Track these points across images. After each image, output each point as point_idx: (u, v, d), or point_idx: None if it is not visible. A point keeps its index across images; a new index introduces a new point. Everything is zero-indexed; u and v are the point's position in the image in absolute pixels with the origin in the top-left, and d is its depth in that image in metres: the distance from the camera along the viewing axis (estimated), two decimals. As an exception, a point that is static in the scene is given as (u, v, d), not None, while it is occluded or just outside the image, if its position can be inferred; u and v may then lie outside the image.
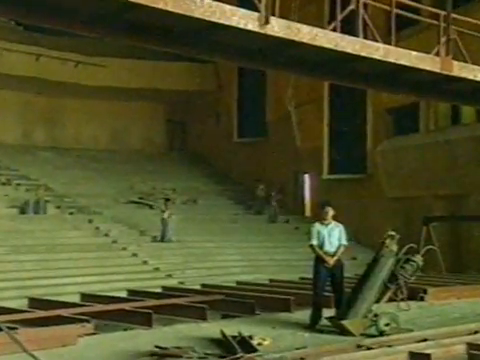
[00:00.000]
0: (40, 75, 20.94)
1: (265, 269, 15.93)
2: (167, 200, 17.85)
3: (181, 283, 13.88)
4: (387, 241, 7.31)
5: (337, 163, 20.15)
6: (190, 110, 26.24)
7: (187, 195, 21.25)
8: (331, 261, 7.50)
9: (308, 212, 21.83)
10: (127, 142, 25.09)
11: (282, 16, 7.29)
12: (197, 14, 6.54)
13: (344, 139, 20.11)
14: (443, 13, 9.26)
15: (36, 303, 9.67)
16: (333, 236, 7.63)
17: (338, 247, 7.61)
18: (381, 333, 6.95)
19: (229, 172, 24.60)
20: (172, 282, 13.78)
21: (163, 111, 26.17)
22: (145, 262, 15.33)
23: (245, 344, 6.12)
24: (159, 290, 11.56)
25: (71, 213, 18.05)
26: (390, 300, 7.31)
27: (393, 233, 7.37)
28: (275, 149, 22.26)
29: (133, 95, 23.97)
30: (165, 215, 16.98)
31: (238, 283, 12.59)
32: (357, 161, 19.67)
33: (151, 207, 19.96)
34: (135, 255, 15.66)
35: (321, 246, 7.59)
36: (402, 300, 7.19)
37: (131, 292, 10.97)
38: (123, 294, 10.92)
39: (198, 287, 12.07)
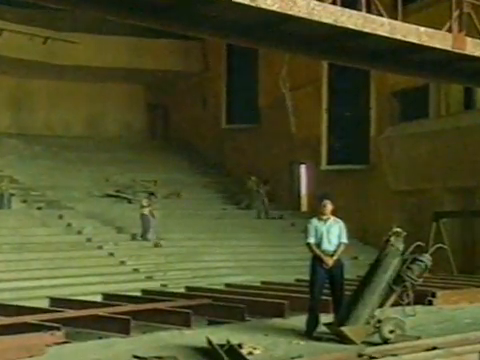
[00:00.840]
0: (3, 53, 20.68)
1: (256, 270, 15.97)
2: (150, 194, 17.81)
3: (163, 286, 13.93)
4: (392, 239, 7.31)
5: (337, 152, 20.19)
6: (173, 93, 26.15)
7: (170, 188, 21.23)
8: (330, 261, 7.50)
9: (304, 207, 21.88)
10: (103, 128, 24.99)
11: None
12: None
13: (345, 126, 20.13)
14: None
15: (0, 309, 9.59)
16: (332, 233, 7.62)
17: (338, 246, 7.60)
18: (385, 341, 6.96)
19: (217, 162, 24.59)
20: (153, 285, 13.82)
21: (143, 94, 26.09)
22: (123, 262, 15.32)
23: (234, 353, 6.10)
24: (138, 294, 11.54)
25: (39, 208, 17.97)
26: (395, 304, 7.32)
27: (399, 230, 7.37)
28: (268, 137, 22.27)
29: (110, 76, 23.84)
30: (146, 211, 16.93)
31: (226, 286, 12.63)
32: (359, 150, 19.71)
33: (130, 201, 19.93)
34: (112, 255, 15.65)
35: (319, 244, 7.58)
36: (408, 304, 7.21)
37: (107, 296, 10.95)
38: (98, 298, 10.90)
39: (182, 290, 12.06)
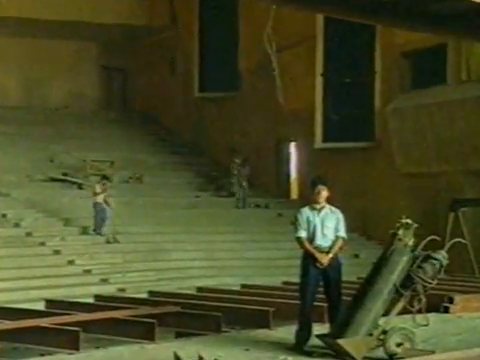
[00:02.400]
0: None
1: (236, 271, 16.03)
2: (104, 178, 17.72)
3: (121, 290, 13.97)
4: (400, 232, 7.33)
5: (334, 127, 20.25)
6: (134, 53, 25.98)
7: (129, 170, 21.19)
8: (325, 259, 7.50)
9: (294, 194, 21.96)
10: (46, 97, 24.79)
11: None
12: None
13: (344, 94, 20.18)
14: None
15: None
16: (327, 226, 7.63)
17: (334, 241, 7.61)
18: (391, 356, 7.01)
19: (187, 139, 24.56)
20: (109, 289, 13.85)
21: (97, 54, 25.93)
22: (71, 262, 15.29)
23: (207, 373, 6.10)
24: (90, 300, 11.51)
25: (-33, 195, 17.88)
26: (404, 312, 7.37)
27: (408, 221, 7.39)
28: (250, 108, 22.26)
29: (55, 31, 23.60)
30: (100, 198, 16.87)
31: (199, 290, 12.62)
32: (361, 124, 19.79)
33: (80, 187, 19.86)
34: (57, 252, 15.61)
35: (311, 239, 7.59)
36: (420, 312, 7.25)
37: (51, 303, 10.90)
38: (40, 306, 10.84)
39: (144, 296, 12.04)
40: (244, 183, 20.28)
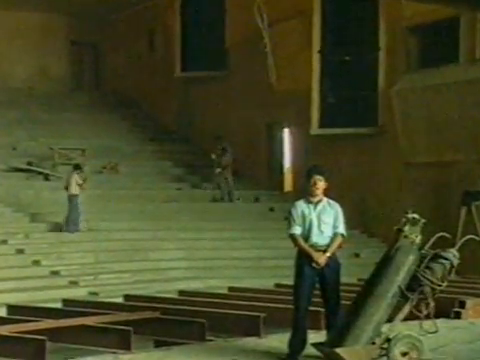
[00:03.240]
0: None
1: (222, 272, 16.08)
2: (76, 168, 17.65)
3: (93, 294, 13.97)
4: (406, 228, 7.34)
5: (333, 111, 20.26)
6: (107, 27, 25.89)
7: (103, 159, 21.17)
8: (322, 259, 7.51)
9: (288, 186, 21.97)
10: (8, 76, 24.67)
11: None
12: None
13: (344, 74, 20.17)
14: None
15: None
16: (325, 221, 7.63)
17: (332, 238, 7.63)
18: (396, 367, 7.04)
19: (168, 124, 24.51)
20: (79, 292, 13.87)
21: (65, 28, 25.82)
22: (36, 262, 15.29)
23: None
24: (58, 305, 11.54)
25: None
26: (410, 317, 7.39)
27: (415, 216, 7.40)
28: (238, 89, 22.24)
29: (17, 1, 23.44)
30: (74, 190, 16.85)
31: (181, 293, 12.65)
32: (363, 108, 19.81)
33: (47, 178, 19.80)
34: (21, 252, 15.60)
35: (307, 237, 7.59)
36: (428, 317, 7.28)
37: (14, 308, 10.89)
38: (1, 312, 10.85)
39: (119, 300, 12.09)
40: (227, 173, 20.21)
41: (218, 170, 20.23)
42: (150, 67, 24.84)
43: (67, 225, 16.75)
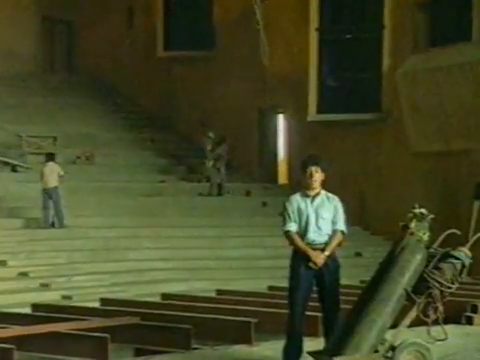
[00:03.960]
0: None
1: (210, 273, 16.09)
2: (50, 158, 17.59)
3: (66, 298, 13.93)
4: (412, 224, 7.35)
5: (332, 95, 20.25)
6: (82, 1, 25.77)
7: (77, 148, 21.14)
8: (320, 259, 7.50)
9: (283, 178, 21.98)
10: (-28, 56, 24.56)
11: None
12: None
13: (344, 54, 20.16)
14: None
15: None
16: (323, 217, 7.61)
17: (331, 235, 7.63)
18: (401, 377, 7.05)
19: (150, 109, 24.46)
20: (50, 296, 13.79)
21: (35, 2, 25.70)
22: (3, 263, 15.23)
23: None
24: (28, 310, 11.52)
25: None
26: (416, 323, 7.40)
27: (423, 211, 7.41)
28: (227, 71, 22.20)
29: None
30: (54, 182, 16.83)
31: (164, 297, 12.65)
32: (365, 91, 19.81)
33: (14, 169, 19.73)
34: (-15, 251, 15.55)
35: (303, 234, 7.59)
36: (436, 323, 7.29)
37: (-22, 314, 10.87)
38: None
39: (95, 304, 12.09)
40: (221, 165, 20.23)
41: (211, 162, 20.20)
42: (129, 46, 24.75)
43: (49, 222, 16.72)
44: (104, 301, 12.12)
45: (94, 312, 10.86)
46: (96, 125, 22.71)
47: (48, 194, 16.81)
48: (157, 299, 12.64)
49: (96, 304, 12.11)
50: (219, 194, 20.23)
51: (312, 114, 20.36)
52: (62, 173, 17.09)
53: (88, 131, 22.17)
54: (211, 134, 20.64)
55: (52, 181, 16.91)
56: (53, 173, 17.02)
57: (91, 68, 25.84)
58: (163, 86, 24.13)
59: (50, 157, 17.65)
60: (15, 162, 19.82)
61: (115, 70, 25.23)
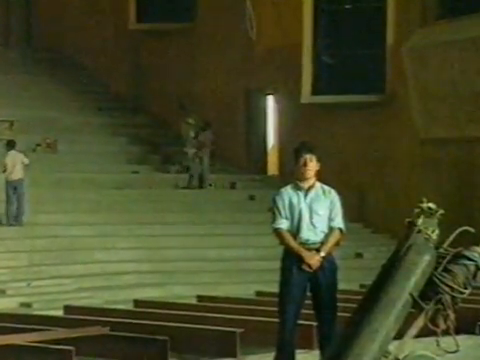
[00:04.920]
0: None
1: (189, 277, 16.12)
2: (11, 146, 17.56)
3: (25, 305, 13.90)
4: (420, 221, 7.35)
5: (329, 74, 20.27)
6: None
7: (37, 134, 21.07)
8: (315, 260, 7.51)
9: (273, 168, 21.98)
10: None
11: None
12: None
13: (343, 27, 20.16)
14: None
15: None
16: (318, 213, 7.62)
17: (328, 234, 7.65)
18: (406, 394, 7.08)
19: (121, 90, 24.41)
20: (7, 303, 13.78)
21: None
22: (-47, 266, 15.20)
23: None
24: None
25: None
26: (424, 333, 7.43)
27: (431, 205, 7.42)
28: (210, 46, 22.17)
29: None
30: (19, 173, 16.81)
31: (136, 304, 12.65)
32: (367, 69, 19.82)
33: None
34: None
35: (296, 232, 7.60)
36: (447, 333, 7.32)
37: None
38: None
39: (58, 312, 12.10)
40: (203, 155, 20.18)
41: (192, 151, 20.16)
42: (96, 18, 24.67)
43: (14, 217, 16.75)
44: (68, 309, 12.12)
45: (57, 321, 10.85)
46: (58, 108, 22.62)
47: (13, 187, 16.77)
48: (129, 306, 12.66)
49: (59, 312, 12.11)
50: (200, 187, 20.21)
51: (306, 95, 20.36)
52: (27, 162, 17.05)
53: (49, 115, 22.10)
54: (191, 120, 20.57)
55: (17, 172, 16.86)
56: (17, 163, 16.98)
57: (52, 42, 25.73)
58: (136, 63, 24.07)
59: (11, 145, 17.62)
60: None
61: (80, 45, 25.13)
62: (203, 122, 20.61)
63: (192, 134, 20.44)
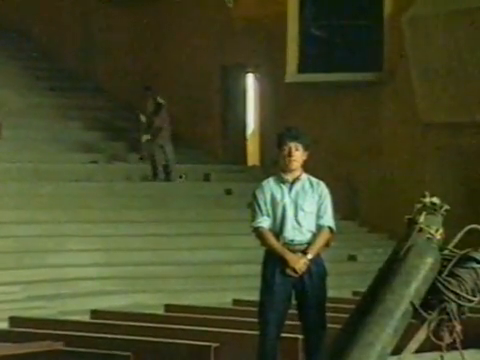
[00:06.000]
0: None
1: (156, 283, 16.16)
2: None
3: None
4: (421, 218, 7.40)
5: (318, 49, 20.25)
6: None
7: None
8: (300, 264, 7.54)
9: (253, 158, 21.98)
10: None
11: None
12: None
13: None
14: None
15: None
16: (304, 209, 7.65)
17: (316, 234, 7.67)
18: None
19: (74, 66, 24.33)
20: None
21: None
22: None
23: None
24: None
25: None
26: (427, 347, 7.47)
27: (435, 200, 7.46)
28: (179, 15, 22.14)
29: None
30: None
31: (95, 314, 12.64)
32: (362, 44, 19.83)
33: None
34: None
35: (279, 232, 7.62)
36: (453, 347, 7.36)
37: None
38: None
39: (4, 325, 12.04)
40: (164, 141, 20.04)
41: (146, 137, 20.07)
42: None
43: None
44: (15, 320, 12.06)
45: (2, 335, 10.84)
46: (3, 87, 22.53)
47: None
48: (86, 318, 12.61)
49: (5, 325, 12.05)
50: (167, 179, 20.13)
51: (292, 73, 20.35)
52: None
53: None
54: (161, 99, 20.40)
55: None
56: None
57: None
58: (93, 35, 23.97)
59: None
60: None
61: (27, 13, 25.03)
62: (153, 102, 20.41)
63: (143, 119, 20.29)
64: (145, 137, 20.17)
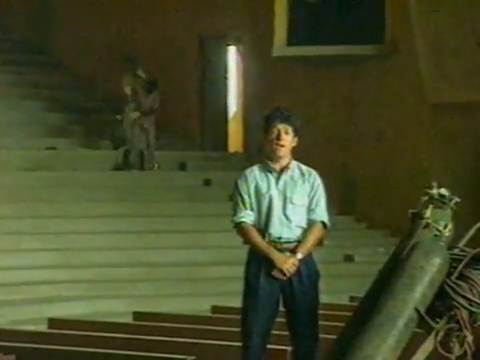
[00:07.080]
0: None
1: (125, 288, 16.22)
2: None
3: None
4: (428, 212, 7.42)
5: (311, 18, 20.27)
6: None
7: None
8: (288, 265, 7.57)
9: (235, 143, 22.01)
10: None
11: None
12: None
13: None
14: None
15: None
16: (294, 202, 7.68)
17: (307, 229, 7.69)
18: None
19: (36, 39, 24.35)
20: None
21: None
22: None
23: None
24: None
25: None
26: (435, 359, 7.50)
27: (443, 192, 7.48)
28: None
29: None
30: None
31: (52, 323, 12.61)
32: (360, 12, 19.86)
33: None
34: None
35: (264, 228, 7.64)
36: (463, 359, 7.39)
37: None
38: None
39: None
40: (150, 124, 20.09)
41: (136, 114, 20.01)
42: None
43: None
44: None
45: None
46: None
47: None
48: (42, 327, 12.60)
49: None
50: (141, 168, 20.12)
51: (280, 46, 20.37)
52: None
53: None
54: (141, 72, 20.37)
55: None
56: None
57: None
58: (54, 4, 23.96)
59: None
60: None
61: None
62: (149, 79, 20.44)
63: (129, 93, 20.25)
64: (134, 114, 20.04)
